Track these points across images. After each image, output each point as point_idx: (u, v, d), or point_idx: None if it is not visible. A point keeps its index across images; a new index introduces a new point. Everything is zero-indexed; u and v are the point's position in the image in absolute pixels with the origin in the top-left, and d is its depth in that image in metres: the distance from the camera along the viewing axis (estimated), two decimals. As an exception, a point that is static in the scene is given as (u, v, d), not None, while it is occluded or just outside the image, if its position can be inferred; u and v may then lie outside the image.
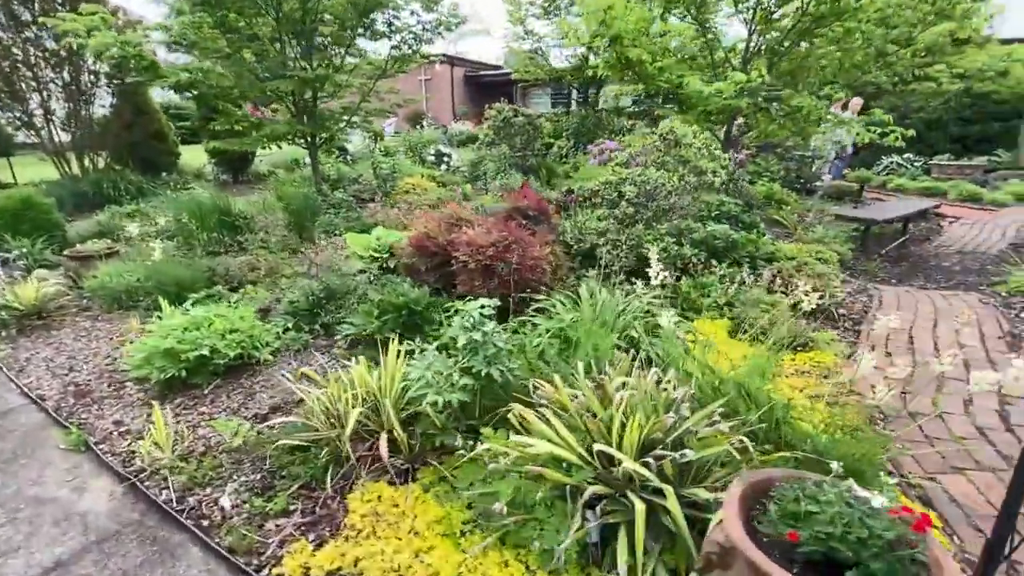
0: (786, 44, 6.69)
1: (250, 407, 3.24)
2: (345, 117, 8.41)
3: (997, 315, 4.22)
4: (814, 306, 2.63)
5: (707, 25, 7.25)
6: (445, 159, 12.80)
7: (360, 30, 7.44)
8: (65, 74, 9.67)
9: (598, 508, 1.70)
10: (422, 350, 2.65)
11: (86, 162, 10.21)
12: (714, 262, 4.38)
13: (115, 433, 3.09)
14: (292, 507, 2.30)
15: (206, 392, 3.44)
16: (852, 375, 2.54)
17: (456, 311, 2.68)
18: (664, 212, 4.12)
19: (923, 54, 6.76)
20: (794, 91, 6.53)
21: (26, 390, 3.60)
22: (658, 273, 2.60)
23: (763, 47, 7.42)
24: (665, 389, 1.98)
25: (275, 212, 7.56)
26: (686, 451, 1.65)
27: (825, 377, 3.16)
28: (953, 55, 8.18)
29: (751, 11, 7.08)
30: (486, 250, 3.96)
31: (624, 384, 1.93)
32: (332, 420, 2.50)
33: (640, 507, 1.61)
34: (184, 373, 3.40)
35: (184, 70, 6.72)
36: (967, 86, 10.56)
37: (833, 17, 5.99)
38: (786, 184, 9.26)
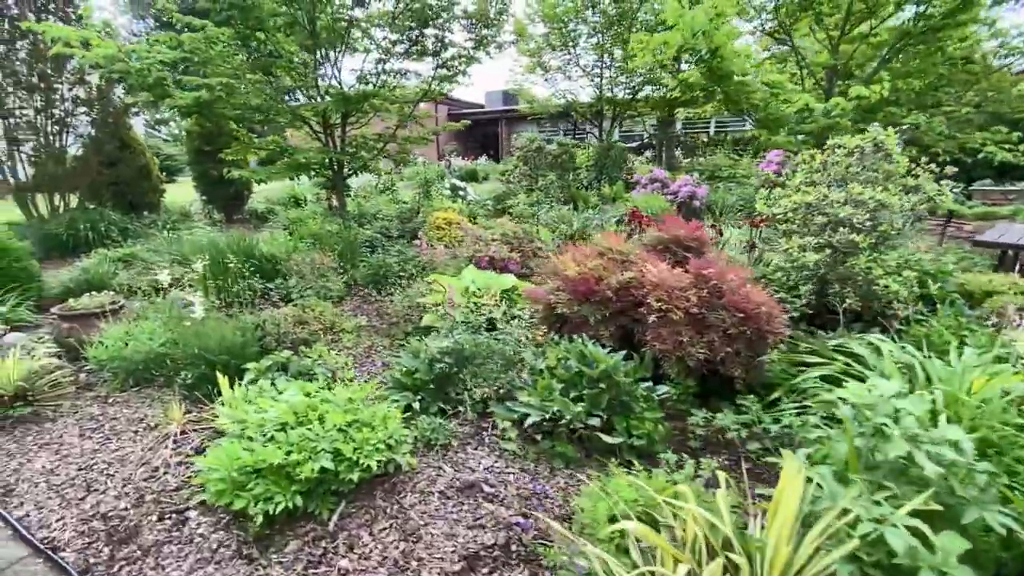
0: (885, 57, 6.15)
1: (424, 557, 2.02)
2: (379, 145, 7.35)
3: None
4: None
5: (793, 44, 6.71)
6: (461, 192, 11.97)
7: (405, 45, 6.51)
8: (37, 101, 8.28)
9: None
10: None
11: (56, 201, 8.71)
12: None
13: (206, 622, 1.84)
14: None
15: (331, 527, 2.21)
16: None
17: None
18: (885, 239, 3.26)
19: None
20: (911, 109, 5.96)
21: (24, 531, 2.27)
22: None
23: (845, 66, 6.94)
24: None
25: (308, 253, 6.37)
26: None
27: None
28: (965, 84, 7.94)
29: (837, 28, 6.59)
30: (686, 293, 2.94)
31: None
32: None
33: None
34: (298, 499, 2.18)
35: (203, 86, 5.57)
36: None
37: (952, 25, 5.46)
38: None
